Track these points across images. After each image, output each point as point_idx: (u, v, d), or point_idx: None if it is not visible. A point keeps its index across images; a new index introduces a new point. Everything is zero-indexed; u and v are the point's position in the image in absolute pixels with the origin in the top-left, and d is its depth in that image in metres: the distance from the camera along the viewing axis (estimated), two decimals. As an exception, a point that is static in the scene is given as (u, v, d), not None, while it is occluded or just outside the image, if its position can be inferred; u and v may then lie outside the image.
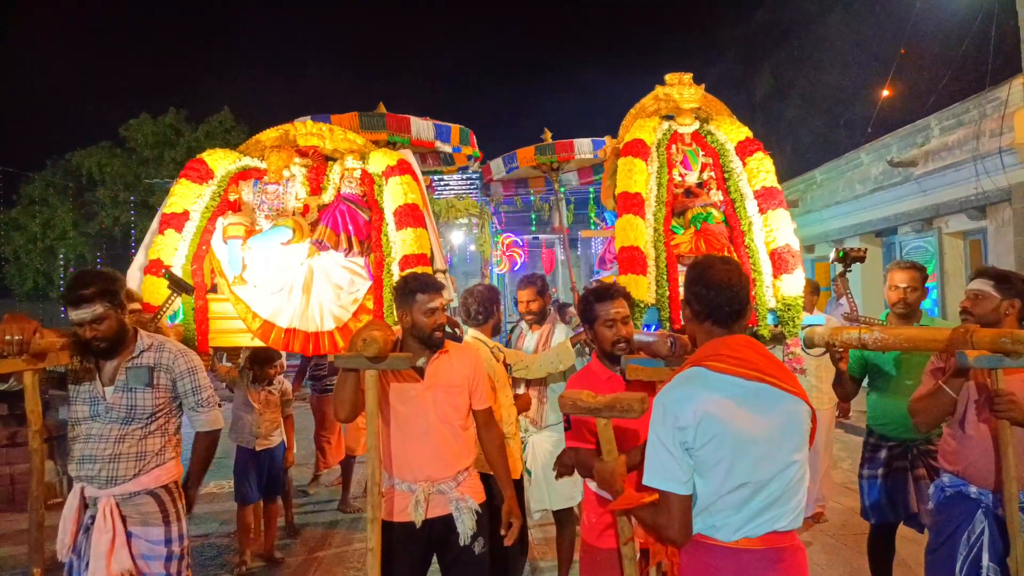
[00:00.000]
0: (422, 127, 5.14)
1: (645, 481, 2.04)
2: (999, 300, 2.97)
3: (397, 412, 2.95)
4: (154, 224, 4.22)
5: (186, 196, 4.18)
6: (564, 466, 3.19)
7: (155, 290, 3.84)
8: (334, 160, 4.47)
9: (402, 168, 4.29)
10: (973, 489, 2.87)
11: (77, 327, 2.83)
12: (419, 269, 3.78)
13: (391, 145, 4.83)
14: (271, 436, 5.13)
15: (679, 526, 2.00)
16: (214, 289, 4.13)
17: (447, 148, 5.44)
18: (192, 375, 3.04)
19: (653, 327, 3.88)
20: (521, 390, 4.20)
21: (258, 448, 5.05)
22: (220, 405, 3.21)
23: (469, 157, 5.98)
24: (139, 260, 4.12)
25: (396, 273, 3.92)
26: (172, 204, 4.16)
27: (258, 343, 4.09)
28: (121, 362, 2.91)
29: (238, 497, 5.06)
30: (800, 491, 2.04)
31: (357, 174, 4.37)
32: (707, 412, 1.97)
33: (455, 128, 5.51)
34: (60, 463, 6.36)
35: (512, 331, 4.68)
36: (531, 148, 6.71)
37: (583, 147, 6.60)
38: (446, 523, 2.93)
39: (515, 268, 22.79)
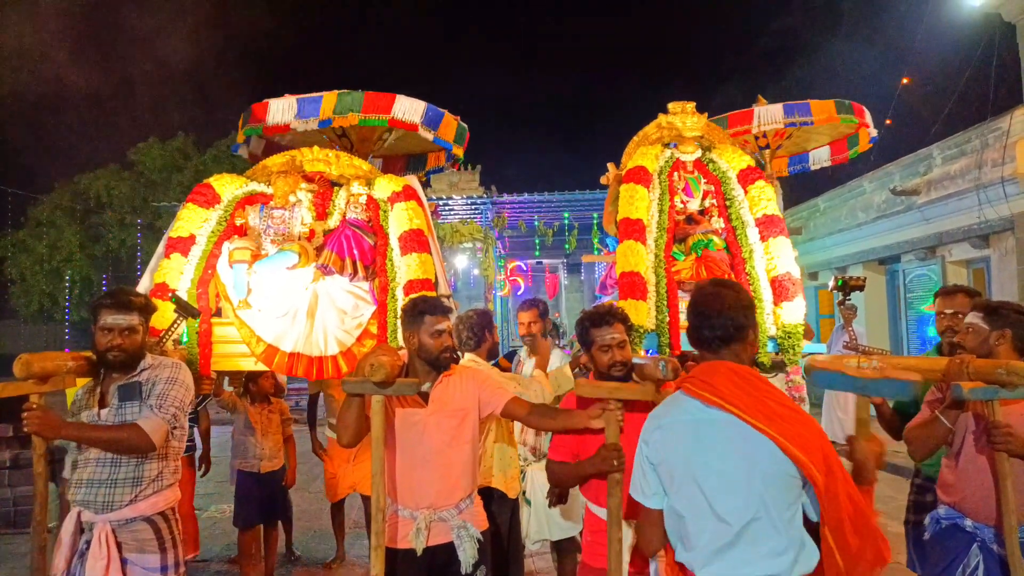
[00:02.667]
0: (408, 107, 4.84)
1: (630, 491, 2.17)
2: (988, 332, 2.95)
3: (401, 438, 2.93)
4: (160, 248, 4.26)
5: (193, 220, 4.23)
6: (556, 495, 3.21)
7: (160, 314, 3.84)
8: (340, 185, 4.51)
9: (407, 194, 4.34)
10: (969, 522, 2.85)
11: (105, 332, 2.86)
12: (423, 294, 3.81)
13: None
14: (275, 457, 5.12)
15: (648, 537, 2.13)
16: (219, 313, 4.16)
17: (430, 136, 5.00)
18: (170, 383, 2.94)
19: (653, 352, 3.90)
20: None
21: (263, 471, 5.03)
22: (173, 432, 2.95)
23: (450, 159, 5.86)
24: (144, 283, 4.15)
25: (400, 298, 3.95)
26: (179, 228, 4.20)
27: (261, 367, 4.11)
28: (120, 383, 2.92)
29: (239, 521, 5.00)
30: (776, 539, 1.91)
31: (363, 199, 4.41)
32: (664, 432, 2.06)
33: (449, 118, 5.13)
34: (59, 488, 6.34)
35: (507, 357, 4.70)
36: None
37: (770, 115, 5.67)
38: (448, 551, 2.90)
39: (517, 292, 22.81)
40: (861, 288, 3.74)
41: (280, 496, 5.23)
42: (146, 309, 3.00)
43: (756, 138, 5.99)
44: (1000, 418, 2.69)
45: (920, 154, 10.65)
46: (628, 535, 2.66)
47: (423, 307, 2.98)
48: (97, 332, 2.90)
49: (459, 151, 5.44)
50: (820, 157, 6.82)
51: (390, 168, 6.12)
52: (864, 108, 5.79)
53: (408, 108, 4.80)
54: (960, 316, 3.54)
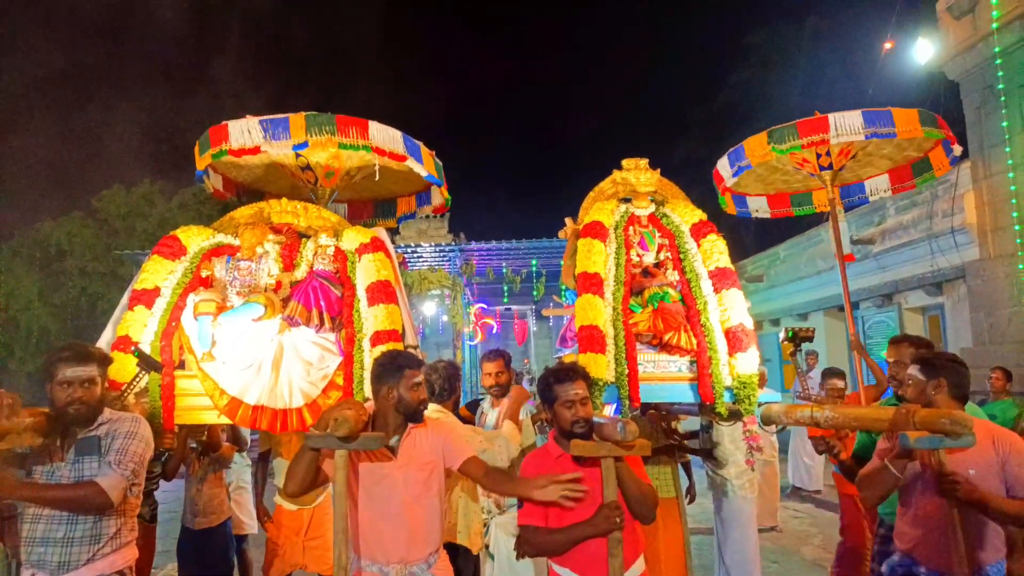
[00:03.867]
0: (386, 136, 4.54)
1: None
2: (925, 383, 3.07)
3: (370, 492, 2.94)
4: (124, 300, 4.23)
5: (158, 272, 4.23)
6: (526, 545, 3.21)
7: (122, 367, 3.82)
8: (308, 237, 4.55)
9: (375, 246, 4.38)
10: (923, 570, 2.92)
11: (64, 386, 2.85)
12: (391, 345, 3.84)
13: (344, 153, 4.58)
14: (212, 513, 4.89)
15: None
16: (182, 365, 4.13)
17: (421, 170, 4.74)
18: (129, 438, 2.93)
19: (615, 404, 3.97)
20: None
21: (196, 527, 4.84)
22: (132, 489, 2.93)
23: (426, 202, 5.69)
24: (107, 336, 4.11)
25: (367, 349, 3.97)
26: (143, 280, 4.19)
27: (225, 420, 4.08)
28: (77, 437, 2.88)
29: None
30: None
31: (331, 251, 4.43)
32: None
33: (427, 151, 4.86)
34: (10, 547, 6.10)
35: (470, 407, 4.73)
36: (761, 135, 5.02)
37: (847, 124, 4.74)
38: None
39: (492, 333, 22.83)
40: (811, 339, 3.87)
41: (225, 554, 4.97)
42: (103, 361, 3.02)
43: (819, 156, 5.17)
44: (948, 466, 2.75)
45: (874, 204, 11.02)
46: None
47: (402, 361, 3.06)
48: (55, 387, 2.88)
49: (444, 191, 5.33)
50: (878, 186, 5.98)
51: (356, 214, 6.05)
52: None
53: (384, 136, 4.54)
54: (904, 364, 3.70)
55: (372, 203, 6.18)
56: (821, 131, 4.73)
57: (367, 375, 3.64)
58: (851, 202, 6.19)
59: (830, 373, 5.76)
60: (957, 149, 5.26)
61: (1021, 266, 8.17)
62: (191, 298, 4.20)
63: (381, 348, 3.85)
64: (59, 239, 20.70)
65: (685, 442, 4.83)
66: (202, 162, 4.77)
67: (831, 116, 4.74)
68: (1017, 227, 8.21)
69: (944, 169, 5.51)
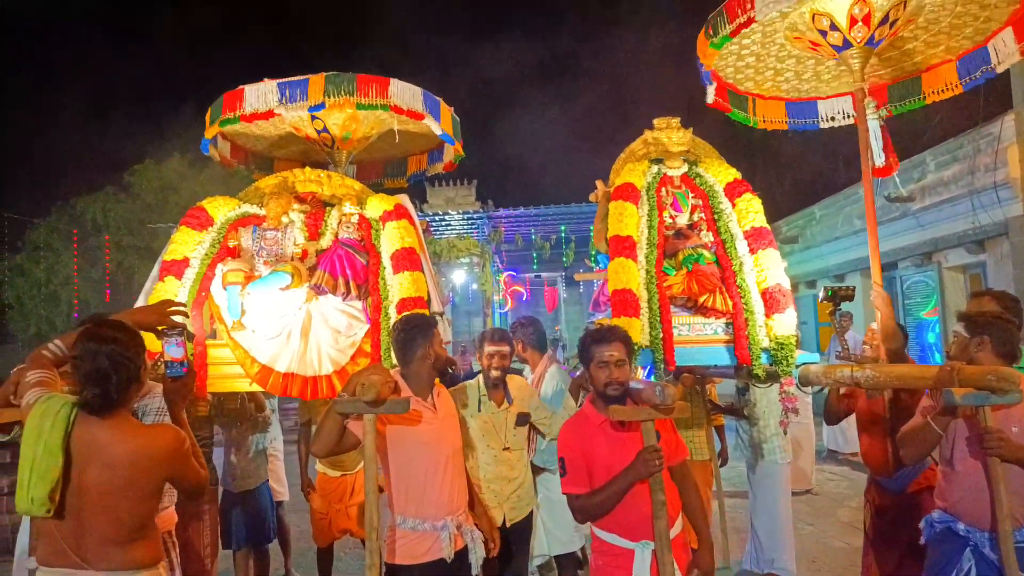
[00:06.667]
0: (406, 93, 4.42)
1: None
2: (968, 340, 3.01)
3: (417, 450, 3.07)
4: (154, 271, 4.27)
5: (186, 243, 4.24)
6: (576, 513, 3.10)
7: (154, 337, 3.86)
8: (332, 206, 4.53)
9: (399, 213, 4.35)
10: (961, 526, 2.90)
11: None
12: (417, 311, 3.82)
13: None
14: (249, 477, 4.97)
15: None
16: (213, 335, 4.16)
17: (437, 128, 4.64)
18: (160, 414, 3.01)
19: (648, 368, 3.91)
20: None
21: (236, 490, 4.93)
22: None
23: (438, 159, 5.58)
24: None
25: (393, 316, 3.95)
26: (172, 251, 4.21)
27: (256, 388, 4.12)
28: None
29: (223, 543, 4.72)
30: None
31: (355, 219, 4.41)
32: None
33: (446, 108, 4.72)
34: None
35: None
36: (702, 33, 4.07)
37: None
38: (460, 557, 3.07)
39: (523, 300, 22.82)
40: (851, 298, 3.76)
41: (265, 516, 5.06)
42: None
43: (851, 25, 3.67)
44: (991, 423, 2.72)
45: (913, 160, 10.70)
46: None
47: (429, 321, 3.31)
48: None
49: (459, 147, 5.22)
50: (1006, 49, 3.96)
51: (366, 175, 5.92)
52: None
53: (406, 93, 4.41)
54: None
55: (382, 163, 6.07)
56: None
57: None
58: (970, 83, 4.24)
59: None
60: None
61: (1068, 220, 7.88)
62: (219, 268, 4.22)
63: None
64: (94, 214, 21.04)
65: (719, 405, 4.77)
66: (212, 130, 4.73)
67: None
68: (1064, 181, 7.90)
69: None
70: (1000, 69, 4.05)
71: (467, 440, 3.72)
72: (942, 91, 4.33)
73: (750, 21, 3.69)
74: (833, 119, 4.74)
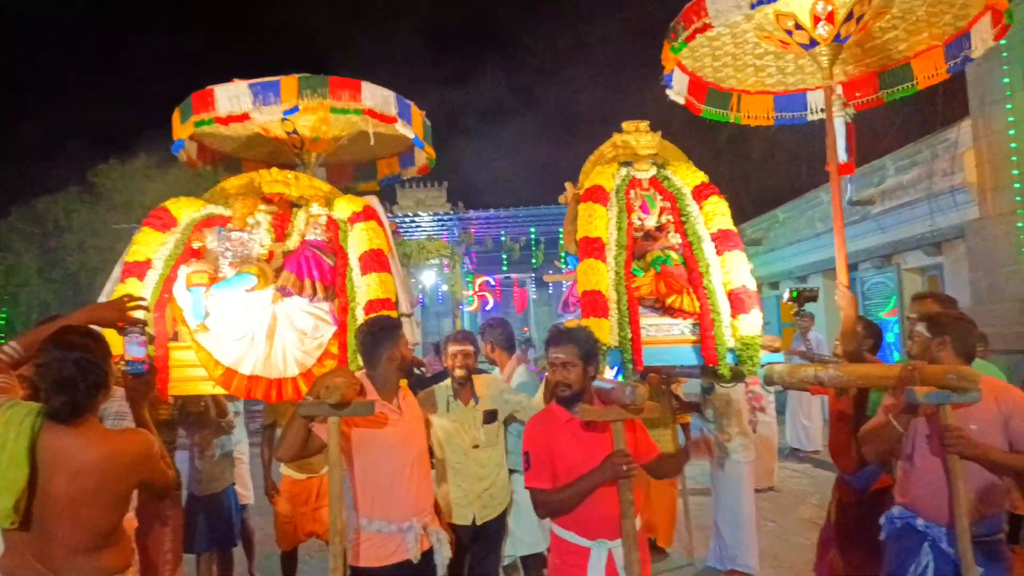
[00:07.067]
0: (379, 97, 4.44)
1: None
2: (930, 340, 3.07)
3: (382, 452, 3.07)
4: (115, 273, 4.19)
5: (149, 244, 4.17)
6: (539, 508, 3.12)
7: (114, 340, 3.78)
8: (299, 207, 4.48)
9: (367, 214, 4.32)
10: (920, 521, 2.96)
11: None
12: (384, 313, 3.80)
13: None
14: (214, 480, 4.88)
15: None
16: (175, 337, 4.09)
17: (409, 132, 4.63)
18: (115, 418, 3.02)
19: (617, 368, 3.93)
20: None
21: (201, 493, 4.84)
22: None
23: (409, 163, 5.54)
24: (99, 309, 4.07)
25: (361, 318, 3.93)
26: (134, 252, 4.14)
27: (219, 391, 4.06)
28: None
29: (187, 547, 4.65)
30: None
31: (322, 220, 4.37)
32: None
33: (416, 112, 4.74)
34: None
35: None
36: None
37: None
38: (426, 558, 3.07)
39: (486, 308, 22.79)
40: (815, 299, 3.84)
41: (230, 519, 4.98)
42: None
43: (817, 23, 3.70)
44: (952, 421, 2.79)
45: (874, 165, 10.93)
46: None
47: (394, 323, 3.35)
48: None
49: (430, 151, 5.19)
50: (984, 34, 3.97)
51: (336, 178, 5.82)
52: None
53: (378, 96, 4.43)
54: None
55: (352, 166, 6.02)
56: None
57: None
58: (954, 68, 4.32)
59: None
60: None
61: (1021, 224, 8.09)
62: (183, 270, 4.15)
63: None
64: (56, 215, 20.58)
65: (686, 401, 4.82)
66: (184, 131, 4.65)
67: None
68: (1017, 185, 8.10)
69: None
70: (976, 55, 4.11)
71: (436, 441, 3.74)
72: (932, 76, 4.38)
73: (706, 27, 3.81)
74: (822, 110, 4.57)
